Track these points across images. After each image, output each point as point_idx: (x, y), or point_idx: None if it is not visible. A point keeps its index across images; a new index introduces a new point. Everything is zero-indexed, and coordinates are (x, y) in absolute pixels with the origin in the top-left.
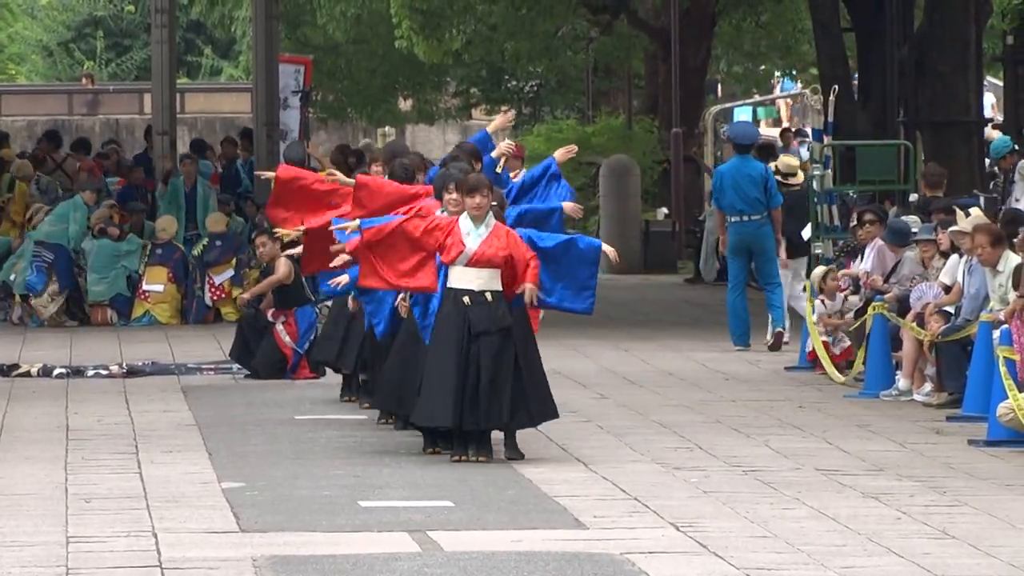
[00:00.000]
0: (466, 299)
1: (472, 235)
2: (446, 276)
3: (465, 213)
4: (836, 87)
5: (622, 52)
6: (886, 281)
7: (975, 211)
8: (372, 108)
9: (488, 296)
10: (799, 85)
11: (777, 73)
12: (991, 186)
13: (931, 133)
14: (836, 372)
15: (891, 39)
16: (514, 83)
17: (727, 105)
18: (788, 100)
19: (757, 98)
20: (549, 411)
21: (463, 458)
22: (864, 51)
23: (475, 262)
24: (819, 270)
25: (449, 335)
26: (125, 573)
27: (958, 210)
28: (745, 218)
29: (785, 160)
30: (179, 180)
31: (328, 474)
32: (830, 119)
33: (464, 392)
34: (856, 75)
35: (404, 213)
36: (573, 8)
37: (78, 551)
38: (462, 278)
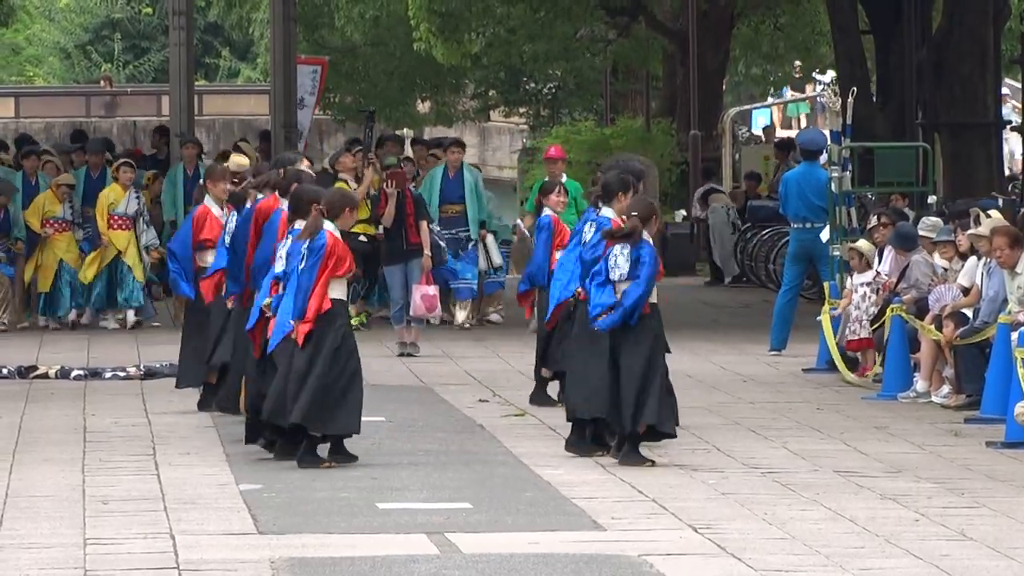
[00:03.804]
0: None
1: None
2: None
3: None
4: (854, 89)
5: (640, 54)
6: (897, 284)
7: (994, 213)
8: (390, 110)
9: None
10: (790, 92)
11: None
12: (1010, 188)
13: (949, 135)
14: (847, 370)
15: (909, 41)
16: (532, 85)
17: (745, 107)
18: (781, 105)
19: (776, 100)
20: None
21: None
22: (882, 53)
23: None
24: (863, 244)
25: None
26: (143, 575)
27: (980, 212)
28: (808, 225)
29: (235, 159)
30: (179, 166)
31: (346, 476)
32: (848, 121)
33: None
34: (874, 77)
35: None
36: (591, 11)
37: (96, 553)
38: None
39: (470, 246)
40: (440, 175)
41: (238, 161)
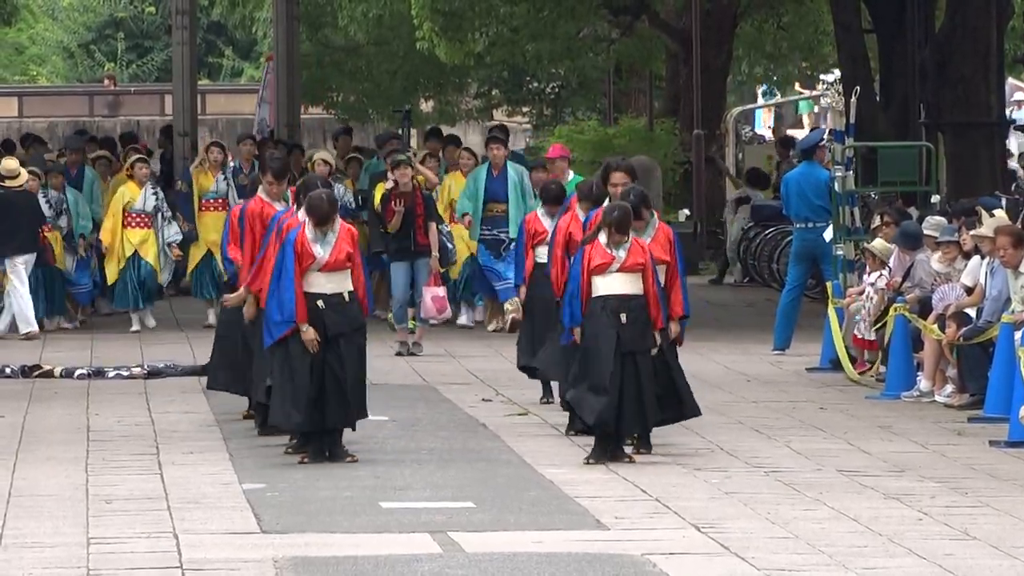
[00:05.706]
0: (320, 303)
1: (319, 243)
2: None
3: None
4: (857, 88)
5: (643, 54)
6: (902, 284)
7: (998, 212)
8: (392, 109)
9: (345, 296)
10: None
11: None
12: (1012, 187)
13: (952, 135)
14: (852, 369)
15: (912, 40)
16: (535, 85)
17: (749, 107)
18: (771, 106)
19: (779, 99)
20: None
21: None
22: (885, 52)
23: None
24: (879, 243)
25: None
26: (146, 574)
27: (982, 211)
28: (810, 224)
29: (6, 164)
30: (235, 163)
31: (349, 475)
32: (851, 120)
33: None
34: (877, 76)
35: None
36: (594, 10)
37: (99, 552)
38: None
39: (512, 247)
40: (484, 174)
41: (7, 165)
